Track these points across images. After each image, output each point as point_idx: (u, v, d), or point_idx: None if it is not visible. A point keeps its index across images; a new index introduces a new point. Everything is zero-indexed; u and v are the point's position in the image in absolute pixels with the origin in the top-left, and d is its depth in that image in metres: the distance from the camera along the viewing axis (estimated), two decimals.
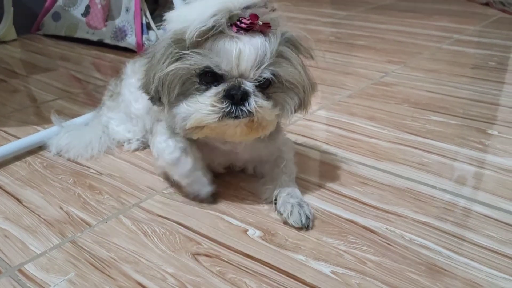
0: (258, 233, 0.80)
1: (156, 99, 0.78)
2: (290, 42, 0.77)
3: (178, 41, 0.72)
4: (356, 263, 0.73)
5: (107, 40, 1.97)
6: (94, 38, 2.01)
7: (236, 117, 0.73)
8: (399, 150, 1.06)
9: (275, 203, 0.85)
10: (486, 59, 1.69)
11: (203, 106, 0.73)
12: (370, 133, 1.15)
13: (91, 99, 1.43)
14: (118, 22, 1.95)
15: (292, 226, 0.81)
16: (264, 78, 0.73)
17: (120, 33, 1.93)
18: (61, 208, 0.89)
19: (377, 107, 1.30)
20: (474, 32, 2.09)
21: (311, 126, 1.20)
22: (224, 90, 0.72)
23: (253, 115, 0.73)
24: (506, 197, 0.88)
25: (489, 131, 1.14)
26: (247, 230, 0.81)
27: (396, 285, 0.68)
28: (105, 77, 1.65)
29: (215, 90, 0.73)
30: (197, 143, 0.85)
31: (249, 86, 0.73)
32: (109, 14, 2.00)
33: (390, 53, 1.82)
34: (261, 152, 0.91)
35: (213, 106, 0.72)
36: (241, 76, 0.72)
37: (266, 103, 0.74)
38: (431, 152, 1.05)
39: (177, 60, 0.73)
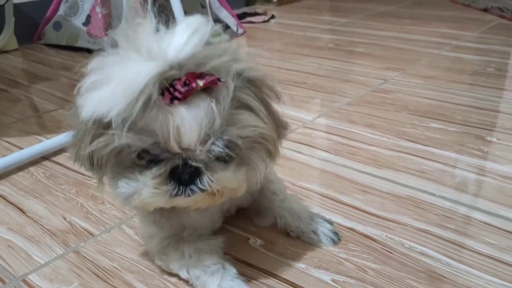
0: (259, 241, 0.81)
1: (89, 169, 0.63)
2: (250, 83, 0.59)
3: (100, 122, 0.55)
4: (357, 271, 0.73)
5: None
6: (95, 47, 2.02)
7: (189, 195, 0.58)
8: (399, 158, 1.07)
9: (290, 233, 0.82)
10: (484, 65, 1.70)
11: (145, 188, 0.58)
12: (370, 140, 1.16)
13: None
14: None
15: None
16: (217, 151, 0.57)
17: None
18: (64, 218, 0.90)
19: (376, 115, 1.31)
20: (472, 38, 2.10)
21: (310, 134, 1.21)
22: (167, 171, 0.57)
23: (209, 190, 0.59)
24: (506, 204, 0.88)
25: (488, 138, 1.14)
26: (249, 239, 0.81)
27: None
28: None
29: (157, 171, 0.57)
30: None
31: (198, 162, 0.57)
32: (110, 23, 2.01)
33: (389, 60, 1.83)
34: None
35: (156, 188, 0.58)
36: (186, 150, 0.56)
37: (224, 174, 0.59)
38: (431, 160, 1.05)
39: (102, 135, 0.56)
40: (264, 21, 2.59)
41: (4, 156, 1.08)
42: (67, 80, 1.74)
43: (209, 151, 0.56)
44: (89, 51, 2.04)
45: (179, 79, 0.53)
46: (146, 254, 0.78)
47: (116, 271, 0.75)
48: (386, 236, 0.81)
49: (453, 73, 1.63)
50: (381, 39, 2.15)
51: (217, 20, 2.24)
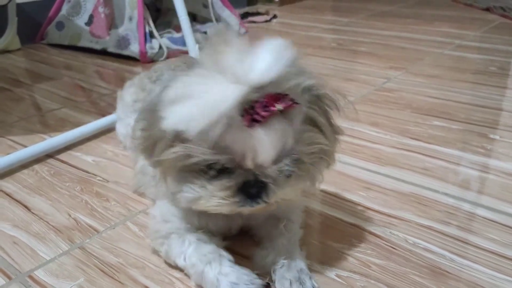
0: None
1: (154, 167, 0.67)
2: (316, 97, 0.62)
3: (179, 135, 0.58)
4: (361, 266, 0.73)
5: (111, 49, 1.99)
6: (98, 46, 2.03)
7: (252, 206, 0.61)
8: (402, 155, 1.07)
9: (273, 276, 0.70)
10: (487, 65, 1.71)
11: (212, 197, 0.61)
12: (373, 138, 1.16)
13: (96, 107, 1.44)
14: (121, 31, 1.97)
15: None
16: (286, 169, 0.60)
17: (124, 41, 1.95)
18: (69, 215, 0.90)
19: (379, 113, 1.31)
20: (475, 37, 2.10)
21: None
22: (237, 185, 0.60)
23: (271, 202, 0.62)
24: (509, 201, 0.89)
25: (491, 136, 1.15)
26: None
27: None
28: (109, 85, 1.66)
29: (227, 183, 0.60)
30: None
31: (267, 177, 0.60)
32: (112, 23, 2.02)
33: (392, 59, 1.83)
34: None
35: (224, 199, 0.61)
36: (258, 167, 0.58)
37: (287, 189, 0.62)
38: (434, 157, 1.06)
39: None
40: (266, 21, 2.60)
41: (8, 154, 1.09)
42: (70, 79, 1.74)
43: (279, 169, 0.59)
44: (92, 50, 2.05)
45: (258, 101, 0.55)
46: (151, 250, 0.78)
47: (121, 267, 0.75)
48: (390, 232, 0.81)
49: (456, 72, 1.63)
50: (384, 39, 2.15)
51: (219, 20, 2.25)
